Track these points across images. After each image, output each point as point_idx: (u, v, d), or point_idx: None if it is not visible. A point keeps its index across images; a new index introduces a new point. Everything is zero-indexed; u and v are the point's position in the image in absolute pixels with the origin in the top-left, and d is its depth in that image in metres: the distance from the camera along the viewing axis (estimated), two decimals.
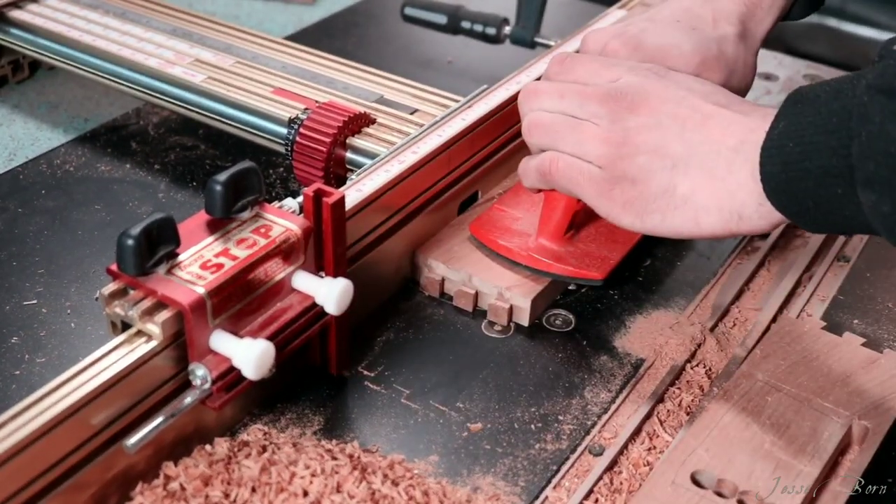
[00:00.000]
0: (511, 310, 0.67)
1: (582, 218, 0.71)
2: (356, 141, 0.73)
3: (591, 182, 0.60)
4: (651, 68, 0.62)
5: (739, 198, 0.55)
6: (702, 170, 0.57)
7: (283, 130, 0.75)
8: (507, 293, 0.67)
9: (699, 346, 0.66)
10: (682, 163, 0.57)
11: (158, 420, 0.51)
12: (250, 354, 0.52)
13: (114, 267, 0.52)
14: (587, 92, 0.61)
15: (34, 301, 0.68)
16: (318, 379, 0.63)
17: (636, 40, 0.66)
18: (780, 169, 0.53)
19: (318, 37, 1.06)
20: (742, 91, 0.68)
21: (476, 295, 0.69)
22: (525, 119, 0.65)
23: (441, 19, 0.97)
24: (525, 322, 0.67)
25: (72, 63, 0.86)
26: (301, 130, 0.73)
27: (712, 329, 0.68)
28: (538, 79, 0.71)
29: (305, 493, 0.53)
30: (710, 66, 0.65)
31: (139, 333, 0.52)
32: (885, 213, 0.49)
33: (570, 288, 0.71)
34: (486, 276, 0.68)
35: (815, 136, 0.51)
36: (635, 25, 0.68)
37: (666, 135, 0.58)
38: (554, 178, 0.62)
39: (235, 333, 0.54)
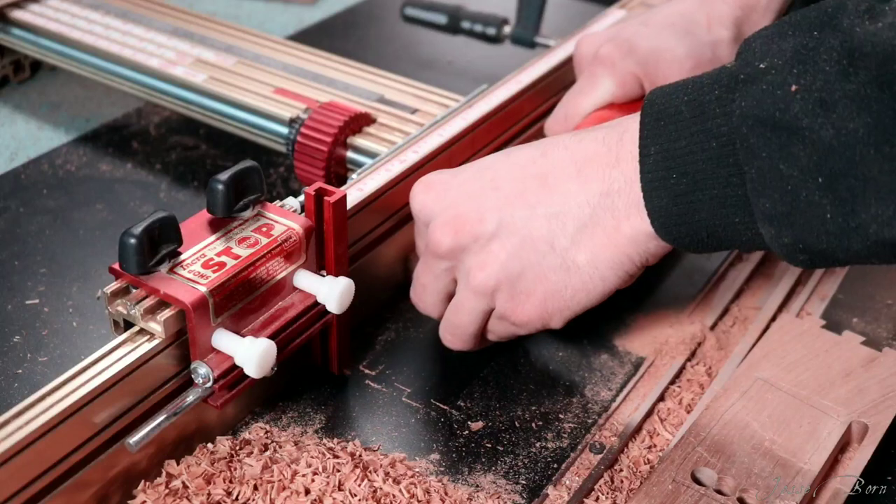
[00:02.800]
0: None
1: None
2: (357, 140, 0.73)
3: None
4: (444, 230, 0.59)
5: (641, 241, 0.54)
6: (588, 233, 0.55)
7: (285, 130, 0.75)
8: None
9: (699, 344, 0.66)
10: (567, 240, 0.56)
11: (160, 418, 0.51)
12: (252, 353, 0.52)
13: (116, 266, 0.52)
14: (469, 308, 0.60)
15: (36, 300, 0.69)
16: (319, 378, 0.63)
17: (629, 44, 0.66)
18: (668, 203, 0.51)
19: (318, 37, 1.07)
20: None
21: None
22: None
23: (441, 19, 0.97)
24: None
25: (73, 63, 0.86)
26: (302, 130, 0.73)
27: (712, 327, 0.68)
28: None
29: (307, 492, 0.53)
30: (703, 71, 0.65)
31: (141, 332, 0.52)
32: (786, 244, 0.48)
33: None
34: None
35: (698, 163, 0.49)
36: (628, 29, 0.67)
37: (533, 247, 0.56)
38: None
39: (237, 332, 0.54)
